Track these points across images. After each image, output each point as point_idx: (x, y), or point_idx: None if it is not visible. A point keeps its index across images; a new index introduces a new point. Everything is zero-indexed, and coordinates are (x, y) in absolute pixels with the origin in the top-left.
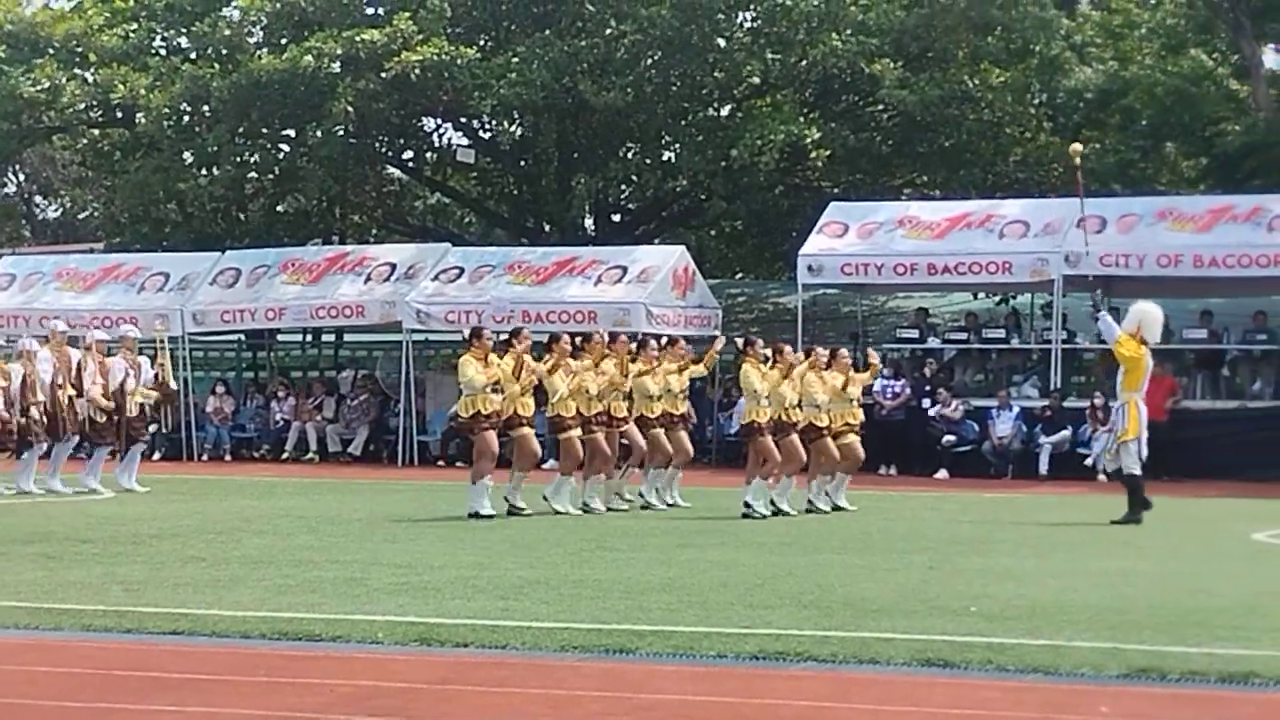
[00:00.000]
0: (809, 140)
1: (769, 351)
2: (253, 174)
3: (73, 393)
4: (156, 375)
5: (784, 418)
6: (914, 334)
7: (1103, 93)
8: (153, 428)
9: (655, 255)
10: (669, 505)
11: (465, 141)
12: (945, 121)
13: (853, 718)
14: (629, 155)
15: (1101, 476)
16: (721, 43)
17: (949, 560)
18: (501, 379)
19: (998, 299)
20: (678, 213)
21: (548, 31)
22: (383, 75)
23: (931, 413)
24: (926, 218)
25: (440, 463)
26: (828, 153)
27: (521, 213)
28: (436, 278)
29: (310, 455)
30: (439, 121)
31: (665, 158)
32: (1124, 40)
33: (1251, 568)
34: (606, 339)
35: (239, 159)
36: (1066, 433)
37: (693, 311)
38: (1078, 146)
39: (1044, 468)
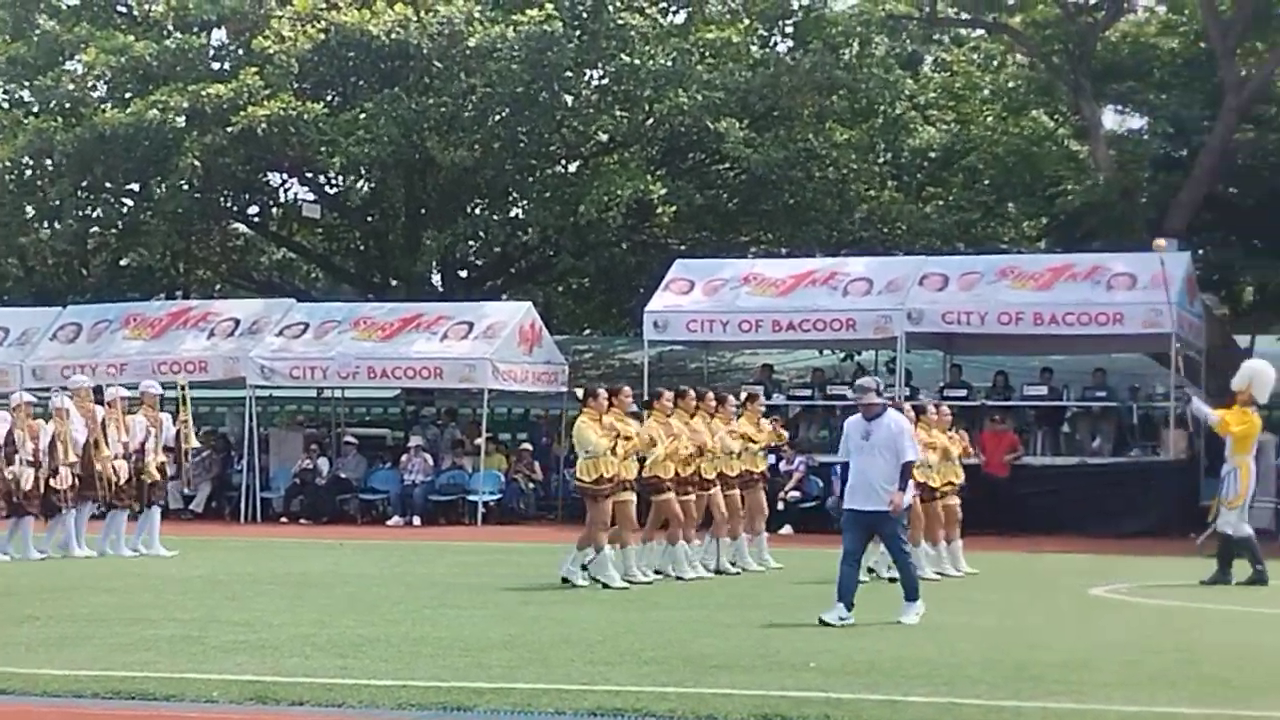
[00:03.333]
0: (655, 196)
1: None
2: (96, 229)
3: (106, 453)
4: (179, 432)
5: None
6: (759, 390)
7: (946, 152)
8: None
9: (502, 311)
10: (744, 570)
11: (312, 197)
12: (790, 180)
13: None
14: (477, 211)
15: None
16: (569, 100)
17: (790, 616)
18: (620, 441)
19: (842, 355)
20: (525, 269)
21: (396, 88)
22: (229, 130)
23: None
24: (772, 275)
25: (283, 520)
26: (674, 209)
27: (368, 268)
28: (281, 333)
29: None
30: (285, 177)
31: (513, 214)
32: (966, 101)
33: (1087, 622)
34: (694, 397)
35: (82, 213)
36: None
37: (539, 367)
38: None
39: None
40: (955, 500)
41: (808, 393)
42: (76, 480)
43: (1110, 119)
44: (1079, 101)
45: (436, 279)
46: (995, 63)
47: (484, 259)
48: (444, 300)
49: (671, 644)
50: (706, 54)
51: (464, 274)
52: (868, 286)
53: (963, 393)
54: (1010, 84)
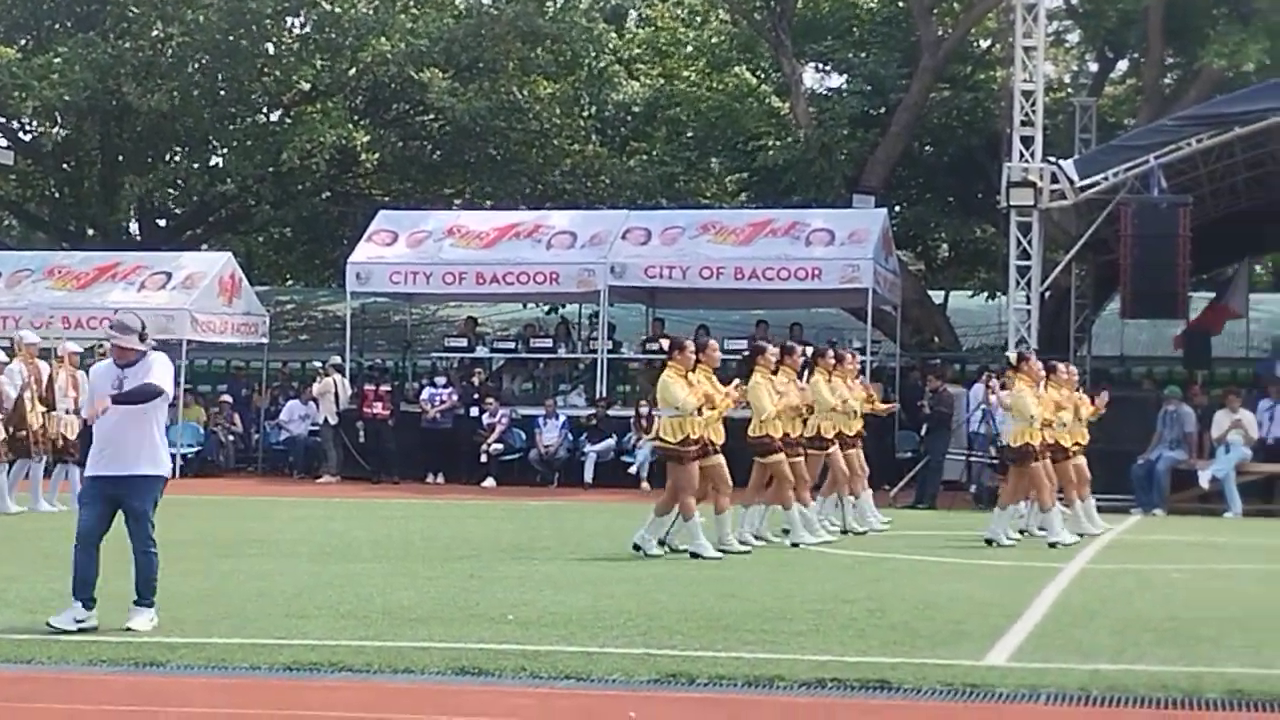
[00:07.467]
0: (358, 144)
1: (1039, 369)
2: None
3: (43, 409)
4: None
5: (1046, 439)
6: (463, 343)
7: (649, 106)
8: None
9: (201, 261)
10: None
11: (4, 143)
12: (494, 131)
13: None
14: (175, 159)
15: None
16: (270, 48)
17: (490, 568)
18: (706, 399)
19: (546, 308)
20: (226, 218)
21: (91, 33)
22: None
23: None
24: (475, 227)
25: None
26: (377, 158)
27: (63, 216)
28: None
29: None
30: None
31: (213, 162)
32: (670, 57)
33: (782, 573)
34: (809, 352)
35: None
36: (611, 441)
37: (239, 318)
38: None
39: (589, 475)
40: (1083, 460)
41: (511, 345)
42: (8, 436)
43: (810, 76)
44: (780, 59)
45: (134, 228)
46: (699, 19)
47: (183, 208)
48: (142, 250)
49: (370, 597)
50: (410, 3)
51: (162, 223)
52: (571, 240)
53: (665, 346)
54: (713, 40)
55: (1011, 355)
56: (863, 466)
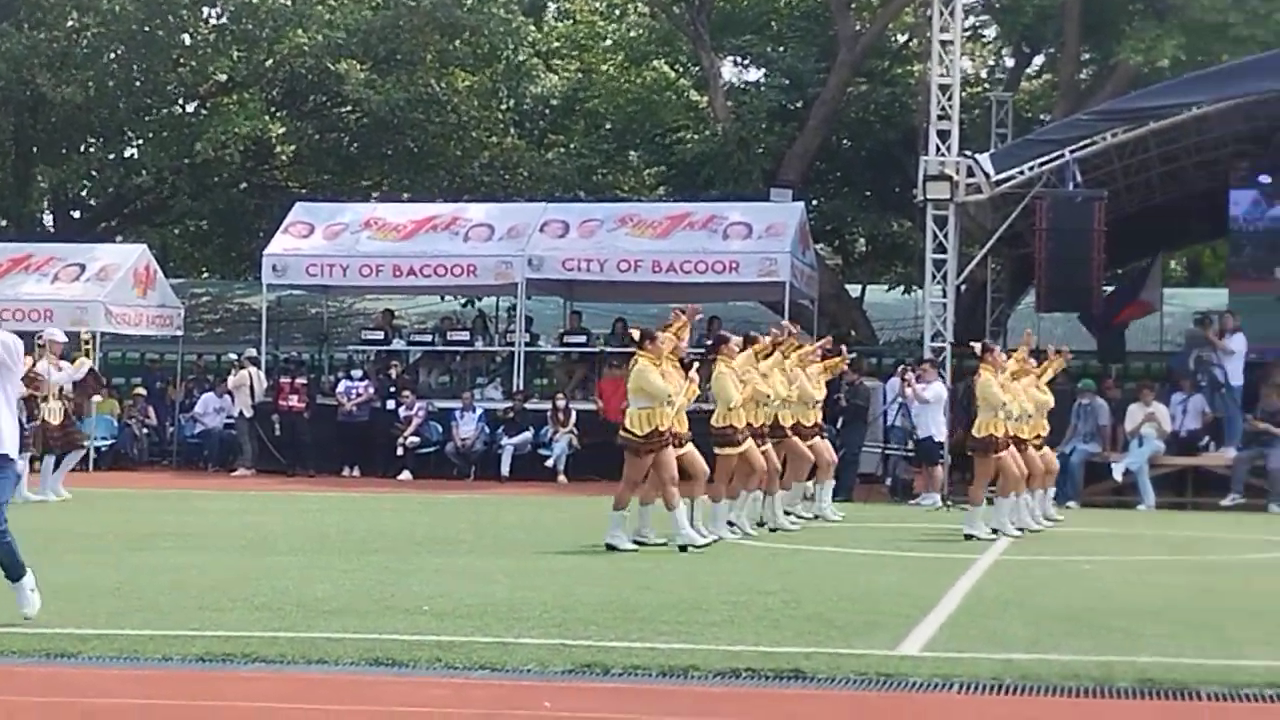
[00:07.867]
0: (274, 136)
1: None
2: None
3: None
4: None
5: (1009, 430)
6: (379, 335)
7: (568, 99)
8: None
9: (115, 253)
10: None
11: None
12: (412, 124)
13: (298, 718)
14: (90, 150)
15: None
16: (187, 39)
17: (406, 561)
18: (674, 389)
19: (464, 301)
20: (141, 210)
21: (5, 23)
22: None
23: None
24: (393, 219)
25: None
26: (294, 149)
27: None
28: None
29: None
30: None
31: (128, 154)
32: (589, 50)
33: (698, 565)
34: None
35: None
36: (528, 434)
37: (154, 311)
38: None
39: (506, 468)
40: (1049, 451)
41: (428, 338)
42: None
43: (729, 70)
44: (699, 52)
45: (48, 219)
46: (618, 12)
47: (97, 199)
48: (56, 241)
49: (285, 589)
50: None
51: (77, 215)
52: (489, 232)
53: (582, 339)
54: (632, 34)
55: (977, 346)
56: (820, 455)
